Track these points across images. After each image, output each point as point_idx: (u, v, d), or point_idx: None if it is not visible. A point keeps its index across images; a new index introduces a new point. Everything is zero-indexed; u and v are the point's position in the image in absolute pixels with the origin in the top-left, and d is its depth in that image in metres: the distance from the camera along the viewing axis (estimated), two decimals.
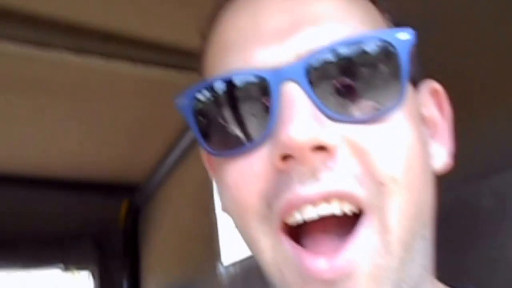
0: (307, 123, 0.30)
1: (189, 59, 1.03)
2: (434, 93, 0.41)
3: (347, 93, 0.32)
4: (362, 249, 0.30)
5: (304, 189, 0.31)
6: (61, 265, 2.49)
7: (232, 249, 1.47)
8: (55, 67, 1.27)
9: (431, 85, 0.41)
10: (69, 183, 2.09)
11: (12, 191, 2.00)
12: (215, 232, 1.55)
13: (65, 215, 2.25)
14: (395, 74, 0.32)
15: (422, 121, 0.38)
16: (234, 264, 1.45)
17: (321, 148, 0.30)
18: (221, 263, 1.54)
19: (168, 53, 1.22)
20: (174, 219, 1.99)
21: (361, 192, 0.31)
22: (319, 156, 0.30)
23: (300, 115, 0.30)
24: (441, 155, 0.39)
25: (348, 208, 0.31)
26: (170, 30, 1.17)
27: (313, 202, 0.31)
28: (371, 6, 0.38)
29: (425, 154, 0.35)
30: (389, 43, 0.32)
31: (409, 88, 0.34)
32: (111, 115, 1.60)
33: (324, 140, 0.30)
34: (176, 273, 1.97)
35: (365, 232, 0.31)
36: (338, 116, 0.31)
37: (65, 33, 1.15)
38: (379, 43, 0.32)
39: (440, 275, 0.41)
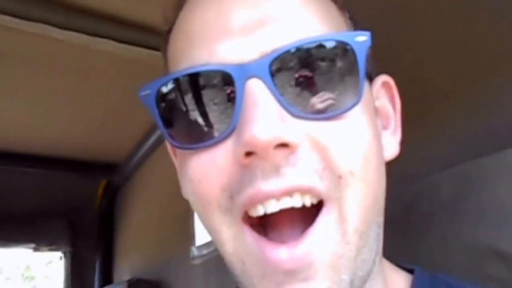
0: (270, 122, 0.30)
1: None
2: (385, 85, 0.43)
3: (309, 90, 0.33)
4: (321, 239, 0.32)
5: (267, 185, 0.31)
6: (32, 244, 2.44)
7: (206, 231, 1.49)
8: (36, 40, 1.24)
9: (382, 78, 0.43)
10: (45, 159, 2.02)
11: None
12: (190, 214, 1.56)
13: (39, 192, 2.18)
14: (354, 74, 0.34)
15: (376, 113, 0.39)
16: (207, 246, 1.48)
17: (283, 145, 0.31)
18: (195, 245, 1.56)
19: (153, 35, 1.22)
20: (151, 200, 2.00)
21: (321, 185, 0.32)
22: (281, 152, 0.31)
23: (263, 113, 0.31)
24: (392, 145, 0.42)
25: (308, 201, 0.33)
26: (156, 12, 1.16)
27: (276, 197, 0.32)
28: (331, 5, 0.39)
29: (380, 147, 0.37)
30: (349, 46, 0.33)
31: (366, 85, 0.35)
32: (92, 92, 1.57)
33: (287, 138, 0.31)
34: (149, 254, 1.98)
35: (324, 221, 0.32)
36: (300, 113, 0.33)
37: (48, 6, 1.13)
38: (339, 45, 0.33)
39: (401, 257, 0.44)
